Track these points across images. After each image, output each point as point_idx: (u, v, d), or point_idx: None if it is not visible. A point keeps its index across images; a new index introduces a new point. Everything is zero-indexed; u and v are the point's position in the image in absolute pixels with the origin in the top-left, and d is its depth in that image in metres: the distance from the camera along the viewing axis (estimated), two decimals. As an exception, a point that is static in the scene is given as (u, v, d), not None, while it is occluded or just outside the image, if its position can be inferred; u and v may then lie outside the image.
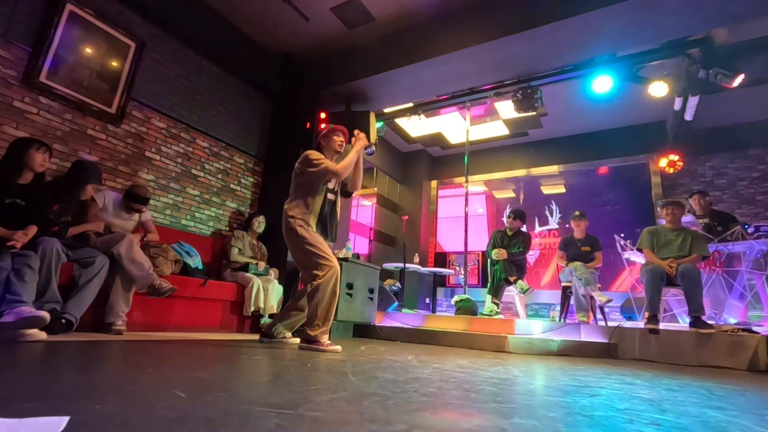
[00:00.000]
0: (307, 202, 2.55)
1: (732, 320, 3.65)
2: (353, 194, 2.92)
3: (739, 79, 3.80)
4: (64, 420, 0.68)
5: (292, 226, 2.48)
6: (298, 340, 2.51)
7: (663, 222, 3.63)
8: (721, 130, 5.88)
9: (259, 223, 4.11)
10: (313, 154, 2.55)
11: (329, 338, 2.43)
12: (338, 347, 2.34)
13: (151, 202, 3.56)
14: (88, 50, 3.32)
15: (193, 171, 4.12)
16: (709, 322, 3.03)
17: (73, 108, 3.22)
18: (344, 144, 2.71)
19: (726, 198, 5.73)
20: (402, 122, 6.56)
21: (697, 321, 2.98)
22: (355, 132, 2.67)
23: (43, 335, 1.95)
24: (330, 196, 2.65)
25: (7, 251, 2.08)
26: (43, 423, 0.68)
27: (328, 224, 2.62)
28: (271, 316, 3.64)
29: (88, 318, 2.46)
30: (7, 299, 1.96)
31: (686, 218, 3.85)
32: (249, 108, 4.77)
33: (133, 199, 3.06)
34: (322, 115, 4.64)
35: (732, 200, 5.68)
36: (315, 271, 2.41)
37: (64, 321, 2.25)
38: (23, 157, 2.34)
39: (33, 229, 2.23)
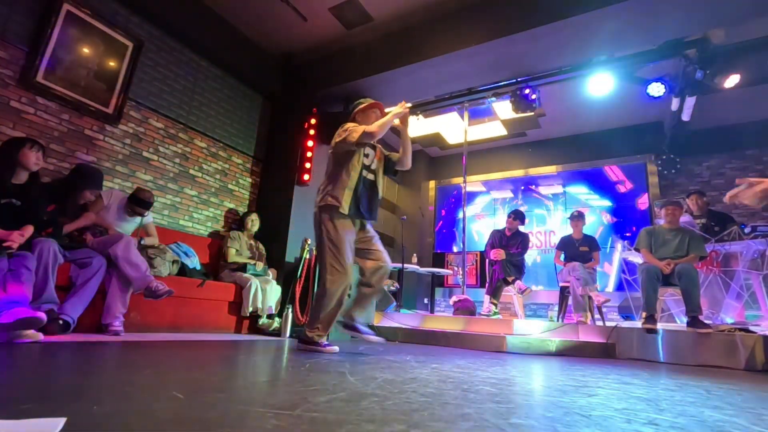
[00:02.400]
0: (341, 176, 2.36)
1: (729, 320, 3.66)
2: (399, 173, 2.67)
3: (734, 80, 3.82)
4: (61, 421, 0.68)
5: (320, 219, 2.36)
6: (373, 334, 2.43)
7: (661, 222, 3.64)
8: (719, 131, 5.90)
9: (253, 222, 4.09)
10: (346, 124, 2.44)
11: (327, 339, 2.43)
12: (336, 348, 2.34)
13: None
14: (86, 50, 3.31)
15: (191, 171, 4.11)
16: (707, 321, 3.04)
17: (71, 108, 3.21)
18: None
19: (723, 198, 5.75)
20: (400, 122, 6.55)
21: (694, 321, 2.99)
22: (402, 102, 2.49)
23: (40, 336, 1.95)
24: (367, 174, 2.43)
25: (4, 252, 2.07)
26: (40, 424, 0.67)
27: (363, 201, 2.37)
28: (269, 316, 3.64)
29: (86, 319, 2.46)
30: (4, 300, 1.95)
31: (684, 218, 3.86)
32: (247, 108, 4.76)
33: (136, 202, 3.06)
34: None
35: (729, 200, 5.70)
36: (328, 275, 2.31)
37: (61, 322, 2.25)
38: (16, 156, 2.32)
39: (29, 229, 2.21)
